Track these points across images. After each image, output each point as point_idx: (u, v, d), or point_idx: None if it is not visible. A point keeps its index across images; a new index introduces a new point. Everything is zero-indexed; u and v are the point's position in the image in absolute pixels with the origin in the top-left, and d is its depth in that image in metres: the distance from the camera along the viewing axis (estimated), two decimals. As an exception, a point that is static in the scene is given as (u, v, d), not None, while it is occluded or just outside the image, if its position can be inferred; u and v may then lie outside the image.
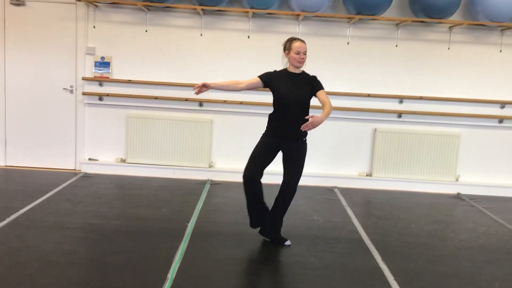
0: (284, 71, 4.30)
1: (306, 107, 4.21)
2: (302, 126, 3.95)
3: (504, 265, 4.22)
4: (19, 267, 3.65)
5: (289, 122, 4.17)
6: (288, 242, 4.37)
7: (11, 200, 5.25)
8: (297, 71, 4.26)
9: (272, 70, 4.35)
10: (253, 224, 4.49)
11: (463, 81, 6.54)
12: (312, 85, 4.24)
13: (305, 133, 4.28)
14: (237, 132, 6.60)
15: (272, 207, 4.43)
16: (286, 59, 4.29)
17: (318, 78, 4.30)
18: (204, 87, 4.20)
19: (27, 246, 4.03)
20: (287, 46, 4.25)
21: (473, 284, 3.79)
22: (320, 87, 4.24)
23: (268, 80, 4.24)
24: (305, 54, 4.20)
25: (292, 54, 4.19)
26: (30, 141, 6.66)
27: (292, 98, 4.15)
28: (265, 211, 4.44)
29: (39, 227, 4.48)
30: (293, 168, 4.27)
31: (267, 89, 4.31)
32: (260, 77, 4.27)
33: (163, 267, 3.72)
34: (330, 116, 6.46)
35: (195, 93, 4.23)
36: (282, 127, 4.23)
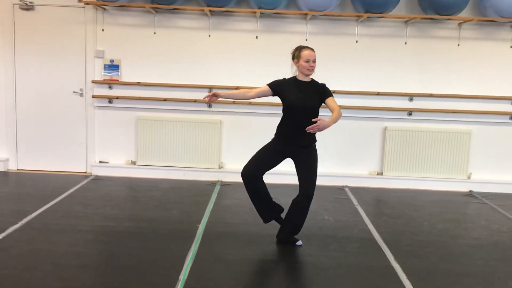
0: (293, 79, 4.30)
1: (315, 116, 4.19)
2: (307, 127, 3.95)
3: (518, 263, 4.18)
4: (31, 270, 3.66)
5: (298, 130, 4.16)
6: (299, 242, 4.35)
7: (23, 203, 5.28)
8: (306, 79, 4.26)
9: (280, 73, 4.37)
10: (265, 219, 4.50)
11: (473, 77, 6.49)
12: (321, 93, 4.24)
13: (314, 140, 4.29)
14: (247, 132, 6.59)
15: (287, 214, 4.36)
16: (295, 67, 4.29)
17: (327, 85, 4.31)
18: (215, 96, 4.20)
19: (38, 249, 4.05)
20: (296, 54, 4.24)
21: (486, 283, 3.76)
22: (329, 94, 4.25)
23: (277, 89, 4.24)
24: (315, 62, 4.20)
25: (302, 62, 4.18)
26: (40, 144, 6.70)
27: (301, 107, 4.15)
28: (274, 206, 4.45)
29: (51, 230, 4.50)
30: (307, 174, 4.23)
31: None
32: (269, 85, 4.26)
33: (174, 269, 3.72)
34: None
35: (205, 102, 4.22)
36: (291, 135, 4.23)
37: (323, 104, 4.26)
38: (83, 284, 3.47)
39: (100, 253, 4.14)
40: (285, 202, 4.53)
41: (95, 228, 4.62)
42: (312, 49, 4.23)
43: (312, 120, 4.00)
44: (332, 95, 4.25)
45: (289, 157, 4.32)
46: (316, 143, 4.32)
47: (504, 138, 6.59)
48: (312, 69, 4.20)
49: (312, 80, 4.30)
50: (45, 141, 6.69)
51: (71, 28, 6.49)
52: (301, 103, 4.15)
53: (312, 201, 5.63)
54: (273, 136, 4.37)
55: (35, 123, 6.67)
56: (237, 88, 6.35)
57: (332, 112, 4.15)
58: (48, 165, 6.73)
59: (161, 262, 3.88)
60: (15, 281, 3.47)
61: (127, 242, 4.30)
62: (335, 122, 4.06)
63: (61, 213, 5.01)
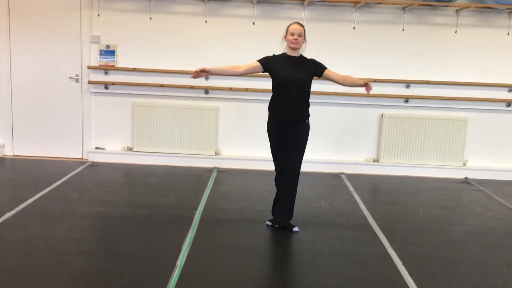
0: (283, 54, 4.33)
1: (306, 89, 4.27)
2: (368, 89, 4.28)
3: (512, 249, 4.21)
4: (28, 256, 3.67)
5: (290, 105, 4.22)
6: (296, 228, 4.37)
7: (19, 189, 5.27)
8: (294, 54, 4.29)
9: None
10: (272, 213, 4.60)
11: (470, 64, 6.49)
12: (314, 66, 4.30)
13: (308, 115, 4.33)
14: (243, 119, 6.58)
15: (278, 194, 4.45)
16: (285, 43, 4.33)
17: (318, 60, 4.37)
18: (203, 72, 4.22)
19: (35, 236, 4.06)
20: (286, 30, 4.30)
21: (481, 269, 3.79)
22: (324, 66, 4.33)
23: (268, 64, 4.26)
24: (300, 36, 4.21)
25: (288, 36, 4.24)
26: (36, 130, 6.68)
27: (292, 80, 4.19)
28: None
29: (48, 217, 4.50)
30: (295, 152, 4.29)
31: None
32: (260, 61, 4.28)
33: (171, 255, 3.73)
34: (336, 101, 6.51)
35: (192, 77, 4.23)
36: (284, 110, 4.25)
37: (317, 78, 4.34)
38: (80, 270, 3.48)
39: (97, 239, 4.15)
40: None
41: (92, 214, 4.62)
42: (300, 24, 4.25)
43: (364, 84, 4.28)
44: (326, 67, 4.32)
45: (288, 133, 4.32)
46: (309, 119, 4.36)
47: (500, 125, 6.61)
48: (296, 42, 4.21)
49: (301, 55, 4.33)
50: (41, 127, 6.67)
51: (67, 14, 6.43)
52: (292, 76, 4.19)
53: (308, 188, 5.68)
54: (267, 119, 4.39)
55: (31, 109, 6.64)
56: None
57: (342, 79, 4.34)
58: (44, 151, 6.71)
59: (158, 248, 3.89)
60: (12, 268, 3.48)
61: (124, 228, 4.31)
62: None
63: (57, 199, 5.01)
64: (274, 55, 4.33)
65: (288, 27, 4.28)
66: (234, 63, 6.32)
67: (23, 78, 6.58)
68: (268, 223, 4.48)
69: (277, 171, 4.41)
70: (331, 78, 4.33)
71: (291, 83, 4.19)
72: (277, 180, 4.43)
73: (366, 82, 4.33)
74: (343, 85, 4.48)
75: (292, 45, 4.23)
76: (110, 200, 5.04)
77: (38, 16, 6.43)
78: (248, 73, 4.35)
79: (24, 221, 4.35)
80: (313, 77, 4.30)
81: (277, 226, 4.43)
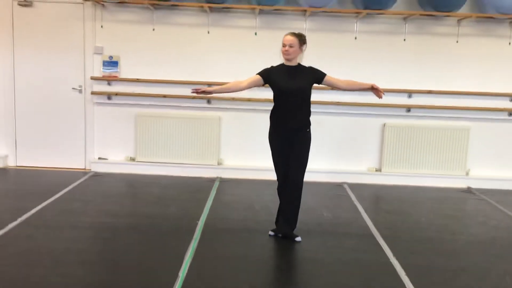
0: (281, 65, 4.36)
1: (306, 98, 4.30)
2: (379, 94, 4.31)
3: (516, 259, 4.20)
4: (30, 267, 3.67)
5: (291, 114, 4.25)
6: (298, 238, 4.36)
7: (22, 200, 5.28)
8: (291, 63, 4.31)
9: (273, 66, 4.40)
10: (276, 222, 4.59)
11: (472, 74, 6.49)
12: (313, 74, 4.32)
13: (309, 124, 4.35)
14: (246, 129, 6.59)
15: (281, 203, 4.45)
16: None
17: (316, 67, 4.39)
18: (204, 93, 4.26)
19: (38, 246, 4.06)
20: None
21: (484, 279, 3.77)
22: (323, 73, 4.34)
23: (267, 76, 4.30)
24: (292, 46, 4.21)
25: (282, 47, 4.27)
26: (40, 141, 6.70)
27: (291, 90, 4.22)
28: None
29: (50, 227, 4.51)
30: (297, 162, 4.30)
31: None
32: (260, 74, 4.32)
33: (174, 265, 3.72)
34: (338, 111, 6.52)
35: (191, 92, 4.25)
36: (284, 119, 4.28)
37: (318, 85, 4.38)
38: (83, 281, 3.48)
39: (99, 249, 4.15)
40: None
41: (95, 225, 4.63)
42: (292, 34, 4.26)
43: (373, 89, 4.31)
44: (326, 73, 4.34)
45: (289, 142, 4.35)
46: (310, 128, 4.38)
47: (503, 135, 6.60)
48: (286, 53, 4.23)
49: (299, 64, 4.35)
50: (44, 137, 6.69)
51: (70, 25, 6.48)
52: (290, 86, 4.22)
53: (311, 197, 5.68)
54: (269, 129, 4.41)
55: (34, 120, 6.67)
56: (236, 84, 6.38)
57: (345, 84, 4.41)
58: (47, 162, 6.73)
59: (161, 259, 3.89)
60: (14, 278, 3.48)
61: (126, 239, 4.31)
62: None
63: (60, 209, 5.02)
64: (272, 66, 4.37)
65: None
66: (236, 73, 6.42)
67: (27, 89, 6.61)
68: (271, 233, 4.48)
69: (279, 181, 4.42)
70: (332, 83, 4.35)
71: (290, 93, 4.22)
72: (280, 190, 4.44)
73: (372, 85, 4.35)
74: (346, 90, 4.57)
75: (283, 56, 4.28)
76: (112, 211, 5.05)
77: (42, 27, 6.47)
78: (250, 87, 4.38)
79: (27, 232, 4.36)
80: (312, 84, 4.32)
81: (280, 235, 4.43)
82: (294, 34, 4.26)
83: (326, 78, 4.32)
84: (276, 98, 4.32)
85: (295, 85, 4.22)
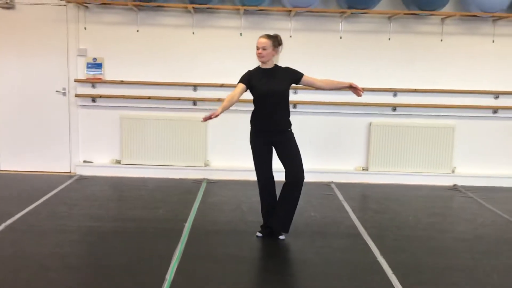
0: (258, 68, 4.36)
1: (284, 99, 4.31)
2: (358, 92, 4.33)
3: (502, 255, 4.22)
4: (16, 272, 3.62)
5: (272, 116, 4.27)
6: (282, 236, 4.38)
7: (6, 205, 5.21)
8: (267, 66, 4.30)
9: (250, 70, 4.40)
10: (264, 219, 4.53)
11: (456, 72, 6.54)
12: (290, 75, 4.32)
13: (290, 124, 4.36)
14: (232, 130, 6.57)
15: (279, 200, 4.39)
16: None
17: (294, 68, 4.38)
18: (211, 118, 4.12)
19: (23, 251, 4.01)
20: None
21: (471, 276, 3.79)
22: (301, 73, 4.34)
23: (247, 82, 4.28)
24: (265, 49, 4.19)
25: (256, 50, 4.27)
26: (24, 145, 6.62)
27: (271, 92, 4.23)
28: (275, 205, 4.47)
29: (35, 232, 4.45)
30: (292, 157, 4.30)
31: None
32: (242, 82, 4.29)
33: (161, 268, 3.70)
34: (324, 111, 6.53)
35: (202, 120, 4.17)
36: (266, 122, 4.30)
37: (295, 85, 4.38)
38: (69, 286, 3.44)
39: (85, 253, 4.11)
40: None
41: (81, 229, 4.58)
42: (265, 36, 4.24)
43: (353, 87, 4.33)
44: (303, 73, 4.34)
45: (272, 145, 4.36)
46: (291, 128, 4.38)
47: (487, 132, 6.65)
48: (259, 56, 4.23)
49: (276, 65, 4.33)
50: (28, 141, 6.61)
51: (53, 27, 6.41)
52: (269, 89, 4.22)
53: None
54: (250, 131, 4.40)
55: (17, 123, 6.58)
56: (221, 85, 6.38)
57: (323, 83, 4.39)
58: (32, 166, 6.65)
59: (148, 262, 3.86)
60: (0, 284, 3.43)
61: (113, 242, 4.27)
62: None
63: (45, 214, 4.96)
64: (249, 71, 4.37)
65: None
66: (222, 74, 6.41)
67: (9, 92, 6.53)
68: (259, 234, 4.46)
69: (261, 183, 4.38)
70: (310, 83, 4.36)
71: (269, 96, 4.23)
72: (263, 191, 4.40)
73: (350, 84, 4.37)
74: (324, 89, 4.58)
75: (258, 59, 4.27)
76: (98, 214, 5.00)
77: (24, 30, 6.40)
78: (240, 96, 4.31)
79: (11, 237, 4.30)
80: (290, 85, 4.32)
81: (267, 231, 4.43)
82: (267, 36, 4.23)
83: (303, 78, 4.32)
84: (255, 101, 4.33)
85: (274, 88, 4.22)
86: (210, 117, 4.05)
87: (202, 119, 4.11)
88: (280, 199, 4.39)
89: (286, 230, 4.40)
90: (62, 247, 4.12)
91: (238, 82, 4.30)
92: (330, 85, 4.50)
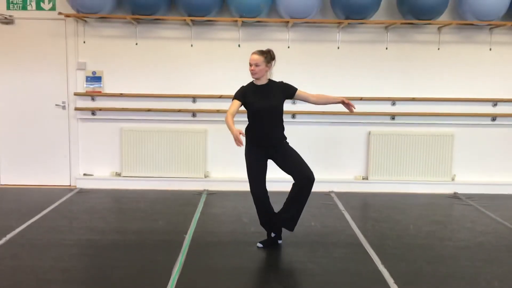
0: (251, 84, 4.37)
1: (279, 114, 4.35)
2: (350, 108, 4.35)
3: (503, 263, 4.21)
4: (16, 286, 3.62)
5: (267, 131, 4.31)
6: (279, 241, 4.48)
7: (7, 219, 5.20)
8: (261, 82, 4.32)
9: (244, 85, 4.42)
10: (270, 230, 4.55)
11: (454, 80, 6.56)
12: (284, 90, 4.35)
13: (284, 137, 4.41)
14: (232, 141, 6.48)
15: (289, 200, 4.39)
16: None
17: (288, 82, 4.42)
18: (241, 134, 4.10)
19: (23, 265, 4.00)
20: None
21: (473, 284, 3.78)
22: (294, 88, 4.37)
23: (242, 98, 4.30)
24: (258, 65, 4.21)
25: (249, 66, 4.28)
26: (24, 159, 6.63)
27: (266, 109, 4.26)
28: (273, 215, 4.48)
29: (36, 246, 4.45)
30: (297, 161, 4.31)
31: None
32: (237, 98, 4.30)
33: (162, 280, 3.69)
34: (323, 121, 6.55)
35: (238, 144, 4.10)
36: (261, 137, 4.33)
37: (288, 100, 4.42)
38: (69, 299, 3.44)
39: (86, 267, 4.10)
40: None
41: (81, 242, 4.57)
42: (258, 53, 4.24)
43: (347, 105, 4.35)
44: (297, 88, 4.37)
45: (269, 158, 4.38)
46: (286, 140, 4.42)
47: (486, 140, 6.66)
48: (253, 73, 4.25)
49: (270, 80, 4.35)
50: (28, 155, 6.62)
51: (52, 41, 6.45)
52: (264, 106, 4.25)
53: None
54: (245, 144, 4.38)
55: (17, 137, 6.60)
56: (220, 96, 6.38)
57: (317, 98, 4.42)
58: (32, 179, 6.65)
59: (148, 274, 3.85)
60: (-1, 299, 3.43)
61: (113, 255, 4.26)
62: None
63: (45, 227, 4.95)
64: (242, 87, 4.38)
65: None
66: (220, 85, 6.44)
67: (9, 106, 6.55)
68: (259, 245, 4.46)
69: (255, 197, 4.38)
70: (303, 98, 4.41)
71: (264, 112, 4.26)
72: (259, 203, 4.40)
73: (342, 99, 4.40)
74: (317, 103, 4.53)
75: (251, 76, 4.28)
76: (99, 227, 4.99)
77: (24, 44, 6.43)
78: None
79: (11, 251, 4.30)
80: (284, 100, 4.36)
81: (272, 236, 4.48)
82: (260, 52, 4.24)
83: (297, 93, 4.36)
84: (250, 117, 4.36)
85: (269, 104, 4.25)
86: (240, 140, 4.04)
87: (239, 145, 4.06)
88: (289, 200, 4.38)
89: (291, 229, 4.43)
90: (62, 261, 4.11)
91: (233, 99, 4.32)
92: (323, 100, 4.51)
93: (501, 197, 6.47)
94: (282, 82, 4.38)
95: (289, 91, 4.35)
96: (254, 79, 4.33)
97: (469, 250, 4.51)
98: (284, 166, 4.35)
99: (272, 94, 4.28)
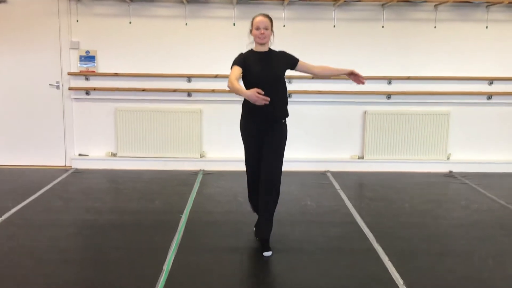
0: (251, 51, 4.00)
1: (281, 84, 3.97)
2: (359, 80, 4.01)
3: (497, 241, 4.25)
4: (12, 267, 3.62)
5: (267, 105, 3.68)
6: (267, 253, 3.93)
7: (3, 199, 5.20)
8: (263, 49, 3.97)
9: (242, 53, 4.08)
10: (256, 209, 4.27)
11: (450, 59, 6.53)
12: (286, 59, 4.01)
13: (286, 114, 4.02)
14: (227, 120, 6.56)
15: (259, 213, 4.13)
16: (251, 38, 4.02)
17: (289, 52, 4.09)
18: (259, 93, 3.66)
19: (20, 246, 4.01)
20: (251, 23, 3.97)
21: (467, 261, 3.82)
22: (296, 58, 4.04)
23: (243, 64, 3.92)
24: (267, 29, 3.85)
25: (254, 30, 3.90)
26: (18, 139, 6.60)
27: (267, 77, 3.87)
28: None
29: (32, 226, 4.45)
30: (273, 156, 3.94)
31: None
32: (238, 65, 3.91)
33: (158, 260, 3.71)
34: (319, 100, 6.52)
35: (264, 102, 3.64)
36: (261, 110, 3.79)
37: (298, 74, 4.17)
38: (66, 279, 3.45)
39: (82, 247, 4.11)
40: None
41: (77, 222, 4.58)
42: (265, 16, 3.91)
43: (356, 77, 4.02)
44: (299, 59, 4.05)
45: (263, 134, 3.98)
46: (286, 119, 4.03)
47: (482, 118, 6.67)
48: (262, 37, 3.86)
49: (270, 49, 4.02)
50: (22, 135, 6.59)
51: (45, 20, 6.37)
52: (265, 74, 3.87)
53: (295, 187, 5.68)
54: (240, 120, 4.11)
55: (11, 118, 6.56)
56: (216, 76, 6.36)
57: (320, 69, 4.10)
58: (27, 160, 6.63)
59: (145, 254, 3.86)
60: (-4, 279, 3.43)
61: (109, 235, 4.27)
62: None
63: (41, 208, 4.96)
64: (241, 53, 4.03)
65: (253, 20, 3.94)
66: (215, 64, 6.39)
67: (2, 86, 6.50)
68: (267, 253, 3.96)
69: (248, 171, 4.12)
70: (306, 69, 4.06)
71: (266, 81, 3.84)
72: (252, 195, 4.18)
73: (352, 71, 4.04)
74: (322, 75, 4.29)
75: (259, 40, 3.89)
76: (95, 207, 5.00)
77: (16, 23, 6.35)
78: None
79: (8, 232, 4.30)
80: (286, 70, 4.02)
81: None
82: (266, 15, 3.95)
83: (299, 63, 4.03)
84: (249, 86, 3.88)
85: (271, 73, 3.90)
86: (262, 96, 3.60)
87: (265, 102, 3.59)
88: (259, 205, 4.09)
89: (265, 236, 4.03)
90: (58, 241, 4.12)
91: (233, 65, 3.92)
92: (327, 72, 4.19)
93: (496, 175, 6.50)
94: (283, 51, 4.05)
95: (291, 61, 4.01)
96: (253, 46, 4.00)
97: (463, 228, 4.54)
98: (263, 150, 3.96)
99: (274, 63, 3.92)
